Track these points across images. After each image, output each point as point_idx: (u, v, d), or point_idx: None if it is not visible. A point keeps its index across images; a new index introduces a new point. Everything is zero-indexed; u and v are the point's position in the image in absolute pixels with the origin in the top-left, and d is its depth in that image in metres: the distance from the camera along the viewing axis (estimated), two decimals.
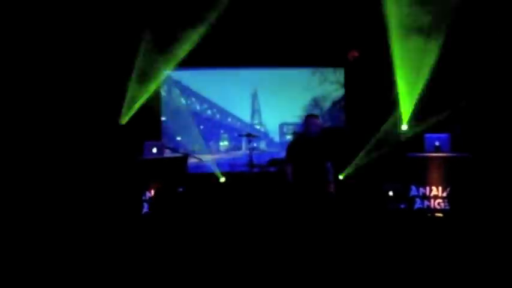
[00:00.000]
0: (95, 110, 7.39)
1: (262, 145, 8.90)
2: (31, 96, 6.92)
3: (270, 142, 8.94)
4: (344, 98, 8.59)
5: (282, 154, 8.17)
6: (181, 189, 6.49)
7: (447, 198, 5.93)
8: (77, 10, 7.08)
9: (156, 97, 8.24)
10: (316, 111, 8.50)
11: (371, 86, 8.09)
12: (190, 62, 8.21)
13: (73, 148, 7.13)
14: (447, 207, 5.94)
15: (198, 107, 8.64)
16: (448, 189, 5.95)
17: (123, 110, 7.46)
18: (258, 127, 8.86)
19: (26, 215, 6.01)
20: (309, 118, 5.16)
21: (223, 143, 8.80)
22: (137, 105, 7.56)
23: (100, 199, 6.32)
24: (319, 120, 5.15)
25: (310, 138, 5.11)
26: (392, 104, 7.35)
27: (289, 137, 8.05)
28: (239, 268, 4.33)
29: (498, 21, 6.95)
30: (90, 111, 7.36)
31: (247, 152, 7.77)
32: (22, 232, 5.42)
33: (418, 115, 7.20)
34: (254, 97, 8.79)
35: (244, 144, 8.65)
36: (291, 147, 5.22)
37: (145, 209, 6.26)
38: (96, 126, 7.36)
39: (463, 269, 4.13)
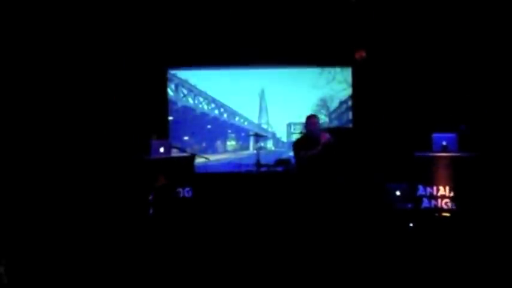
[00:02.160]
0: (102, 110, 7.44)
1: (270, 145, 8.90)
2: (36, 96, 6.98)
3: (278, 142, 8.94)
4: (352, 97, 8.57)
5: (290, 154, 8.20)
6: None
7: (452, 198, 5.89)
8: (76, 10, 7.13)
9: (162, 96, 8.28)
10: (323, 111, 8.49)
11: (379, 85, 8.07)
12: (197, 62, 8.26)
13: (78, 148, 7.17)
14: (454, 207, 5.91)
15: (205, 107, 8.65)
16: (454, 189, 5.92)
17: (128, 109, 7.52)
18: (265, 127, 8.86)
19: (32, 216, 6.04)
20: (307, 118, 5.81)
21: (231, 143, 8.80)
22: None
23: (106, 199, 6.35)
24: (316, 120, 5.79)
25: (311, 136, 5.68)
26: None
27: (296, 136, 8.03)
28: (245, 267, 4.34)
29: (505, 20, 6.90)
30: (96, 110, 7.41)
31: (255, 151, 7.78)
32: (26, 233, 5.44)
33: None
34: (261, 97, 8.79)
35: (251, 144, 8.64)
36: (296, 144, 5.82)
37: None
38: (102, 126, 7.40)
39: (471, 269, 4.11)
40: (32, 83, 6.97)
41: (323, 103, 8.59)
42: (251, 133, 8.03)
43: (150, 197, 6.26)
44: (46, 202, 6.38)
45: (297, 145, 5.79)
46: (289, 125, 8.78)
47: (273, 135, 8.90)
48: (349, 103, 8.57)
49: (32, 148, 6.81)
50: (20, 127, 6.77)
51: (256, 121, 8.82)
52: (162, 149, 6.50)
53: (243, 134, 8.62)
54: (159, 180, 6.23)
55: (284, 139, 8.84)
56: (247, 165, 8.29)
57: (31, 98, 6.93)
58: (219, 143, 8.75)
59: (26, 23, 6.87)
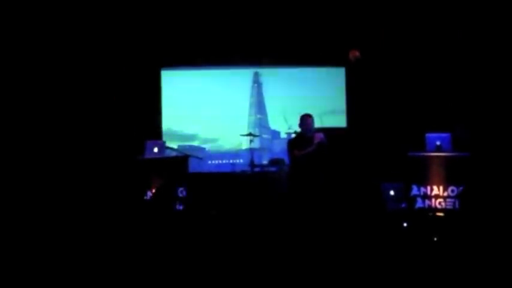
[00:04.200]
0: (96, 111, 7.40)
1: (264, 144, 8.88)
2: (31, 97, 6.93)
3: (272, 142, 8.93)
4: (345, 97, 8.58)
5: (283, 154, 8.19)
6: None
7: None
8: (75, 10, 7.09)
9: (156, 96, 8.25)
10: (317, 111, 8.46)
11: (373, 85, 8.09)
12: (191, 61, 8.24)
13: (73, 148, 7.13)
14: (449, 207, 5.92)
15: (199, 106, 8.59)
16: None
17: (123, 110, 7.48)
18: (259, 126, 8.85)
19: (28, 216, 5.99)
20: (302, 118, 5.71)
21: (225, 142, 8.76)
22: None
23: (100, 198, 6.32)
24: (311, 119, 5.66)
25: (305, 136, 5.60)
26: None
27: (291, 136, 8.02)
28: (239, 268, 4.32)
29: (501, 21, 6.93)
30: (91, 111, 7.37)
31: (249, 151, 7.76)
32: (22, 233, 5.40)
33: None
34: (256, 96, 8.78)
35: (245, 144, 8.60)
36: (291, 143, 5.73)
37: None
38: (96, 127, 7.36)
39: (465, 268, 4.11)
40: (28, 84, 6.94)
41: (317, 103, 8.54)
42: (245, 133, 7.99)
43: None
44: (41, 201, 6.33)
45: (291, 144, 5.77)
46: (283, 125, 8.74)
47: (267, 135, 8.89)
48: (343, 103, 8.59)
49: (26, 148, 6.77)
50: (14, 127, 6.74)
51: (250, 121, 8.81)
52: (156, 149, 6.48)
53: (237, 134, 8.54)
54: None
55: (278, 139, 8.83)
56: (241, 165, 8.28)
57: (26, 97, 6.90)
58: (212, 142, 8.72)
59: (25, 24, 6.84)
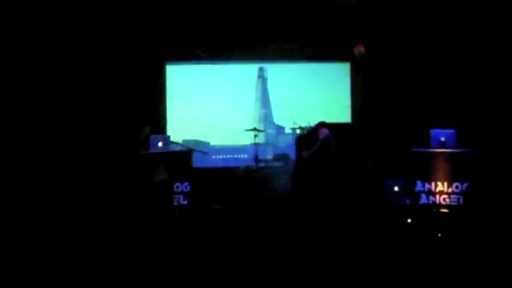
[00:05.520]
0: (100, 106, 7.42)
1: (268, 139, 8.88)
2: (34, 93, 6.95)
3: (276, 137, 8.92)
4: (350, 92, 8.57)
5: (288, 149, 8.20)
6: None
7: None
8: (76, 8, 7.10)
9: (161, 90, 8.25)
10: (321, 106, 8.44)
11: (377, 80, 8.06)
12: (196, 56, 8.23)
13: (77, 143, 7.15)
14: (453, 203, 5.91)
15: (204, 100, 8.59)
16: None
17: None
18: (264, 121, 8.84)
19: (30, 212, 6.01)
20: (319, 126, 5.62)
21: (229, 137, 8.75)
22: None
23: (104, 193, 6.33)
24: (327, 128, 5.58)
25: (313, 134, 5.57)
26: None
27: (296, 132, 8.00)
28: (242, 266, 4.34)
29: (502, 20, 6.90)
30: (95, 106, 7.39)
31: (253, 146, 7.76)
32: (25, 228, 5.42)
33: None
34: (261, 91, 8.77)
35: (250, 139, 8.59)
36: (299, 142, 5.70)
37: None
38: (101, 122, 7.38)
39: (469, 265, 4.11)
40: (30, 80, 6.95)
41: (322, 98, 8.55)
42: (250, 128, 7.98)
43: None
44: (45, 195, 6.35)
45: (299, 144, 5.74)
46: (288, 120, 8.72)
47: (272, 130, 8.88)
48: (348, 98, 8.57)
49: (30, 145, 6.79)
50: (15, 120, 6.76)
51: (255, 116, 8.80)
52: (160, 144, 6.48)
53: (241, 129, 8.51)
54: (158, 173, 6.23)
55: (283, 134, 8.83)
56: (246, 160, 8.28)
57: (28, 94, 6.91)
58: (217, 137, 8.70)
59: (27, 20, 6.85)
